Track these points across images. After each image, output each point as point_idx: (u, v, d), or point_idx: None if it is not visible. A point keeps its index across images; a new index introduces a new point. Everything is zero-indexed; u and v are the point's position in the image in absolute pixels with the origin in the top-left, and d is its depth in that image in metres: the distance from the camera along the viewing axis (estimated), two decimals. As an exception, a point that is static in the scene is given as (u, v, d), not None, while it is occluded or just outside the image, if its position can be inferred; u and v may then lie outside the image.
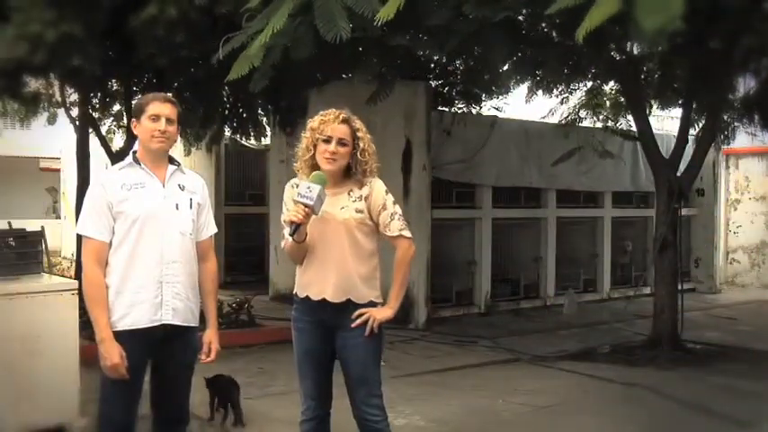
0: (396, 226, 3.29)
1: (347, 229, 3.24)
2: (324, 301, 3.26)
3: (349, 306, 3.26)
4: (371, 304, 3.30)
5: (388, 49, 6.26)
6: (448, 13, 5.37)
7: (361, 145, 3.28)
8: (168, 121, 3.24)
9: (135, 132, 3.32)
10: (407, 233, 3.32)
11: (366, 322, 3.26)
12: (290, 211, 3.16)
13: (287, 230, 3.22)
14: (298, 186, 3.18)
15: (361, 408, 3.30)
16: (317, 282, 3.28)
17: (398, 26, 5.92)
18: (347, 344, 3.29)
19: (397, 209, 3.32)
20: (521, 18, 6.45)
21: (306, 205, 3.09)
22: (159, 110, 3.23)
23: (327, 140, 3.25)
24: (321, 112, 3.33)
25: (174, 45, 6.38)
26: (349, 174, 3.32)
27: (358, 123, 3.32)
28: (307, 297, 3.32)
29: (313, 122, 3.31)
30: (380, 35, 5.46)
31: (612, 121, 9.98)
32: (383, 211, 3.27)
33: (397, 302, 3.32)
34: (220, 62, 5.36)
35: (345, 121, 3.28)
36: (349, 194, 3.28)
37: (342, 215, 3.23)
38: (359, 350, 3.28)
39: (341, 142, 3.25)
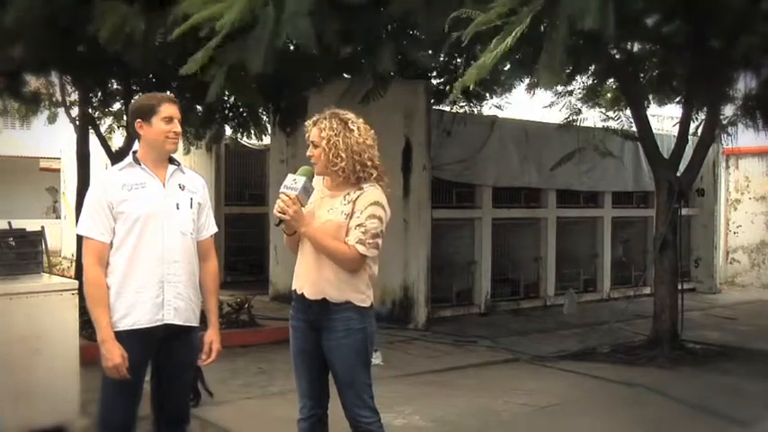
0: (353, 236, 3.16)
1: (325, 230, 3.22)
2: (306, 297, 3.28)
3: (329, 305, 3.25)
4: (349, 305, 3.25)
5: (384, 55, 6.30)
6: (445, 20, 5.34)
7: (323, 144, 3.22)
8: (178, 121, 3.30)
9: (140, 133, 3.28)
10: (362, 248, 3.15)
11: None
12: (278, 206, 3.15)
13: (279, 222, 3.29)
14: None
15: (352, 410, 3.29)
16: (300, 277, 3.33)
17: (396, 34, 5.98)
18: (331, 345, 3.28)
19: (371, 223, 3.17)
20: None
21: (288, 196, 3.11)
22: (172, 112, 3.26)
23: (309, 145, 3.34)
24: None
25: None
26: (351, 178, 3.29)
27: (324, 123, 3.25)
28: (295, 290, 3.35)
29: None
30: (374, 45, 5.55)
31: (612, 118, 9.96)
32: (354, 218, 3.20)
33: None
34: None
35: (315, 123, 3.31)
36: (344, 197, 3.26)
37: (325, 216, 3.23)
38: (342, 352, 3.27)
39: (313, 144, 3.29)
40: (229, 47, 5.21)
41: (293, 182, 3.15)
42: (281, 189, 3.15)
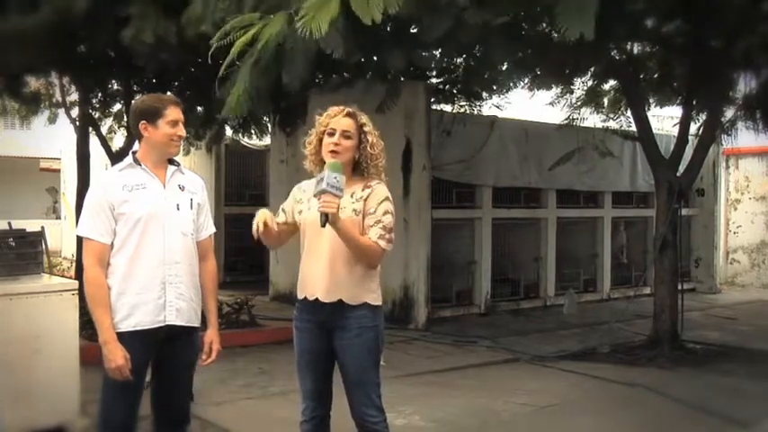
0: (375, 233, 3.19)
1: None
2: (318, 300, 3.26)
3: (343, 306, 3.24)
4: (366, 306, 3.26)
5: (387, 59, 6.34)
6: (448, 23, 5.34)
7: (370, 139, 3.28)
8: (182, 124, 3.31)
9: (144, 135, 3.28)
10: (383, 243, 3.19)
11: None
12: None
13: (280, 216, 3.42)
14: (324, 176, 3.07)
15: (359, 409, 3.29)
16: (311, 282, 3.29)
17: (395, 41, 6.00)
18: (343, 344, 3.27)
19: (387, 219, 3.22)
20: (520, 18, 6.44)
21: (337, 196, 3.05)
22: (178, 115, 3.28)
23: (331, 133, 3.27)
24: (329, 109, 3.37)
25: (161, 60, 6.54)
26: (356, 174, 3.32)
27: (364, 118, 3.32)
28: (305, 298, 3.32)
29: (320, 119, 3.35)
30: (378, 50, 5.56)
31: (612, 119, 9.96)
32: (370, 216, 3.22)
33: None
34: (221, 61, 5.41)
35: (350, 115, 3.31)
36: (351, 195, 3.26)
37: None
38: (354, 351, 3.27)
39: (345, 135, 3.26)
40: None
41: (335, 180, 3.05)
42: (328, 189, 3.03)
